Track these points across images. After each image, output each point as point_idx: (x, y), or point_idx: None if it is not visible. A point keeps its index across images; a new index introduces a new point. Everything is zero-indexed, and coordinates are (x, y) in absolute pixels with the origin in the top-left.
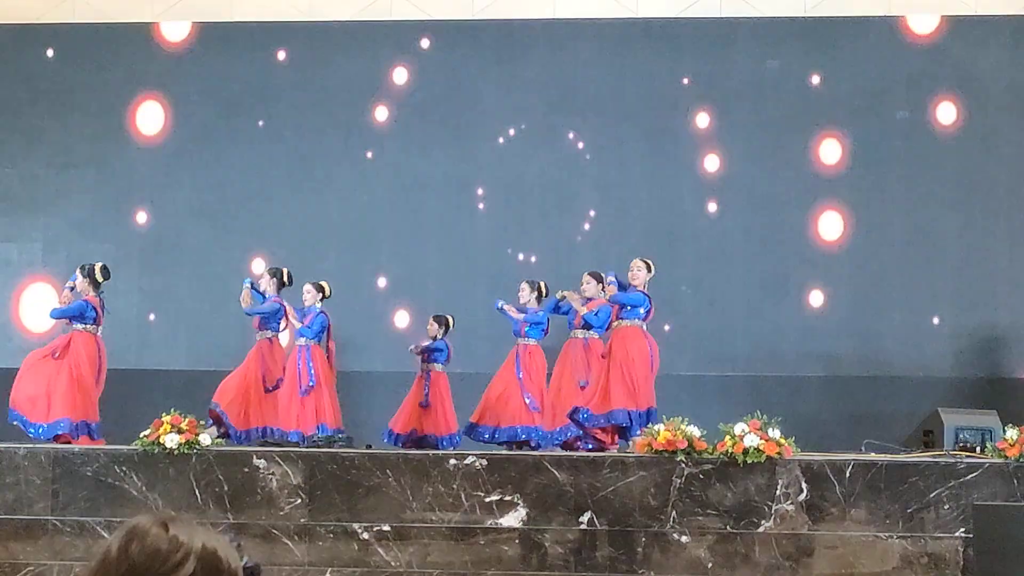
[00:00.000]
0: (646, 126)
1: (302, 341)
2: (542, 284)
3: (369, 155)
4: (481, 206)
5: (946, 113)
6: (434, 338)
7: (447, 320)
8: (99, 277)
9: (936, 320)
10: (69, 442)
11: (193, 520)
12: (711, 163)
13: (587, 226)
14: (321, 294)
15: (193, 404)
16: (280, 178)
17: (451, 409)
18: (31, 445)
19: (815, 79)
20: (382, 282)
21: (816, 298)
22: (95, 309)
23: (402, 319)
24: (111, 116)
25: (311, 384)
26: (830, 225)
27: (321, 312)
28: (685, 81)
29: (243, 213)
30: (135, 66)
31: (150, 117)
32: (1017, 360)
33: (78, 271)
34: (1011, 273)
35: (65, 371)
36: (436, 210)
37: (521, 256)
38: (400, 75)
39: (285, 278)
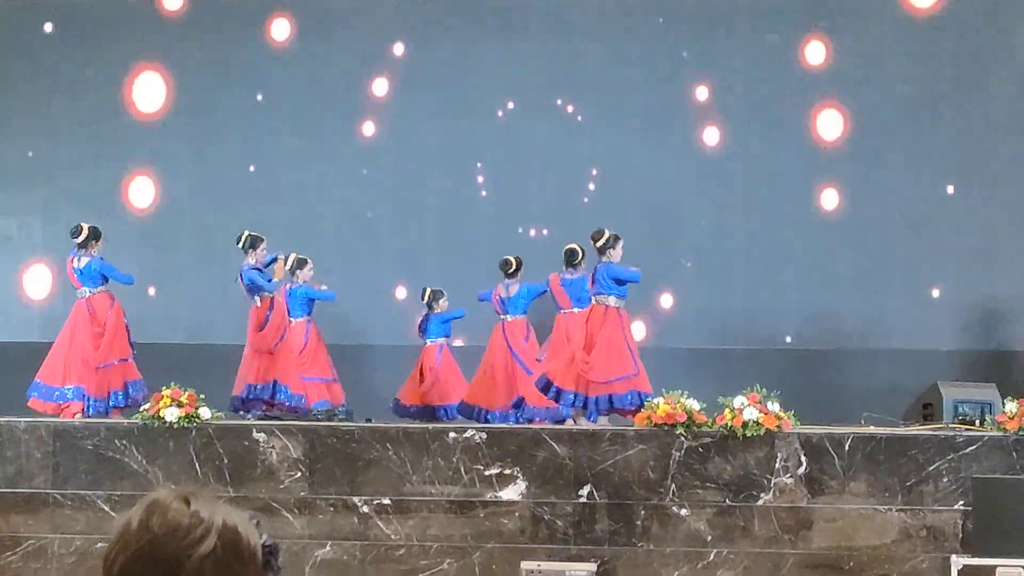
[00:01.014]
0: (645, 99)
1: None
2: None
3: (368, 128)
4: (480, 179)
5: (945, 83)
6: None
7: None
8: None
9: (936, 293)
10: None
11: (213, 496)
12: (710, 136)
13: (586, 200)
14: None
15: (193, 378)
16: (279, 151)
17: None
18: (31, 419)
19: (815, 52)
20: (382, 256)
21: (816, 271)
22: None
23: (401, 293)
24: (110, 89)
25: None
26: (830, 198)
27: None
28: (684, 54)
29: (242, 186)
30: (133, 37)
31: (149, 89)
32: (1017, 333)
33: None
34: (1011, 245)
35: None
36: (436, 183)
37: (520, 229)
38: (399, 48)
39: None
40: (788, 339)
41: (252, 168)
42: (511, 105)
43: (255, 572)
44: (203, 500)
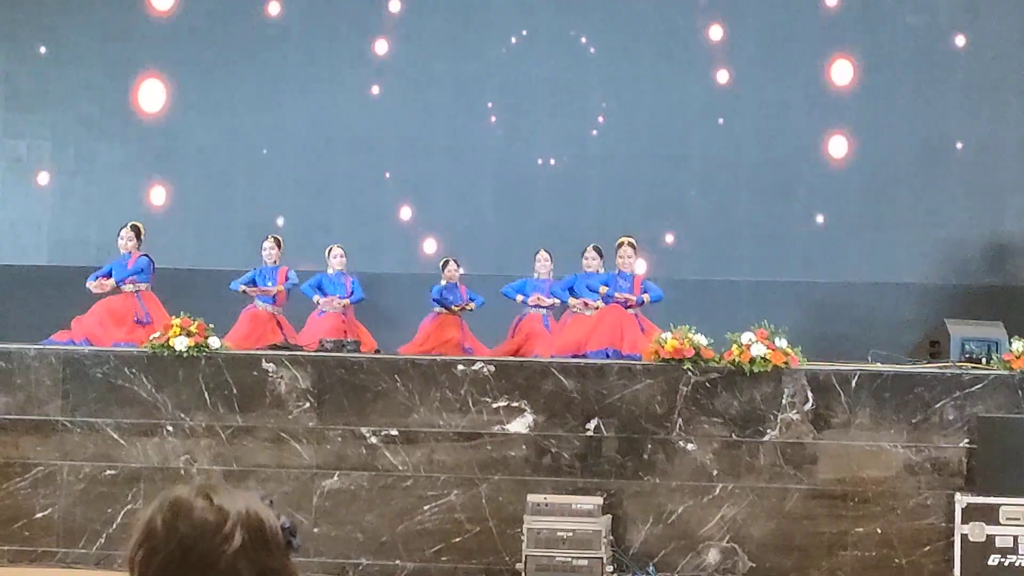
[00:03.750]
0: (658, 32)
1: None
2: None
3: (381, 48)
4: (490, 104)
5: (955, 26)
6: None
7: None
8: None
9: (943, 228)
10: None
11: (228, 486)
12: (722, 74)
13: (595, 132)
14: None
15: (197, 303)
16: (289, 74)
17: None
18: (41, 346)
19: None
20: (390, 181)
21: (823, 206)
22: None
23: (406, 213)
24: (121, 8)
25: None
26: (838, 143)
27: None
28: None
29: (252, 111)
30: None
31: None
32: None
33: (130, 231)
34: (1019, 180)
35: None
36: (445, 110)
37: (532, 160)
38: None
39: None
40: (795, 271)
41: (263, 91)
42: (524, 32)
43: (280, 555)
44: (223, 492)
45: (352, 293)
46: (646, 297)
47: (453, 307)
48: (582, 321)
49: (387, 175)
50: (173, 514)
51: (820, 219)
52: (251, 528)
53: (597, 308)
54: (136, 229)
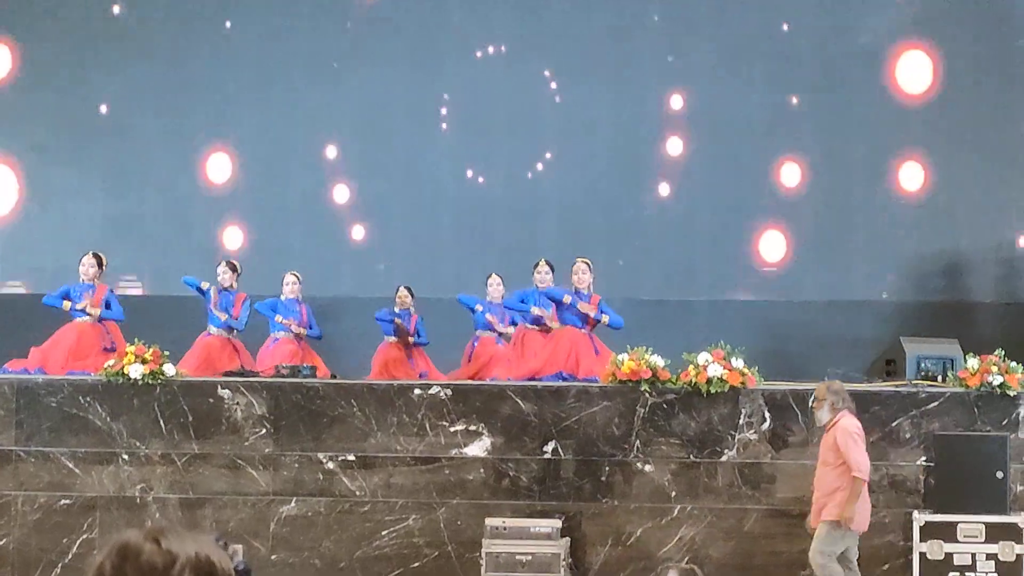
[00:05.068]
0: (613, 55)
1: None
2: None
3: (336, 78)
4: (444, 126)
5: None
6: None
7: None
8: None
9: (898, 245)
10: None
11: (179, 529)
12: (675, 99)
13: (549, 155)
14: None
15: (153, 330)
16: (244, 85)
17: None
18: None
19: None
20: (342, 197)
21: (778, 224)
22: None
23: (359, 232)
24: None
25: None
26: (792, 170)
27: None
28: (656, 19)
29: (206, 120)
30: None
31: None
32: (978, 284)
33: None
34: (973, 197)
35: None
36: (399, 126)
37: (481, 179)
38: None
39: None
40: (752, 290)
41: (216, 99)
42: (479, 55)
43: None
44: (172, 536)
45: (311, 327)
46: (605, 318)
47: (398, 333)
48: (537, 344)
49: (339, 195)
50: (121, 558)
51: (778, 232)
52: (200, 571)
53: (551, 330)
54: (98, 258)
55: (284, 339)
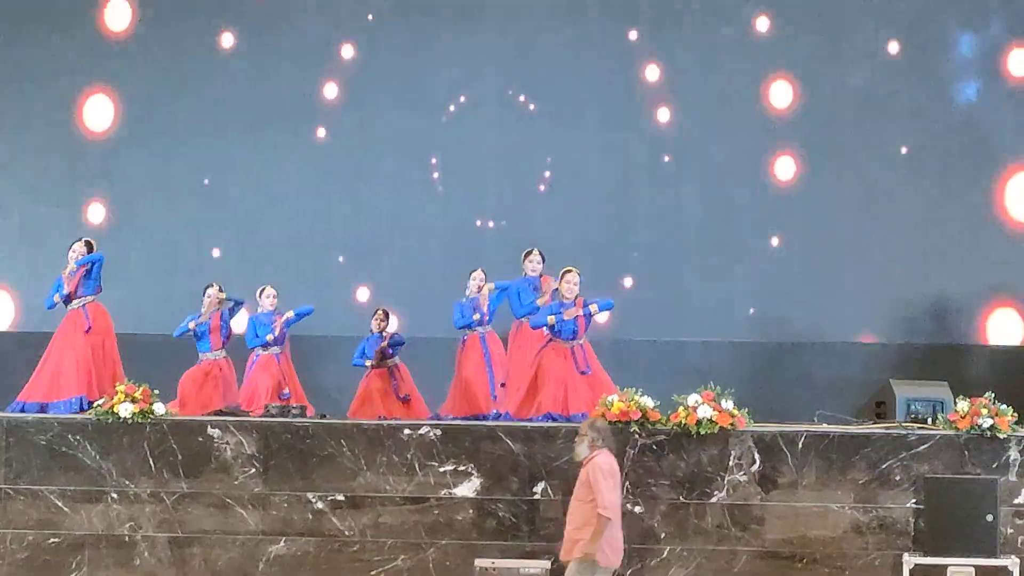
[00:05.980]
0: (600, 91)
1: None
2: None
3: (321, 132)
4: (436, 175)
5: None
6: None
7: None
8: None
9: (888, 287)
10: None
11: None
12: (662, 116)
13: (541, 188)
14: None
15: (142, 369)
16: (232, 155)
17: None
18: None
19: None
20: (339, 256)
21: (769, 265)
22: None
23: (363, 294)
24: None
25: None
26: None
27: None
28: (632, 36)
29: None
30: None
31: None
32: (968, 327)
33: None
34: (962, 240)
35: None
36: (390, 181)
37: (479, 222)
38: (347, 50)
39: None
40: (742, 331)
41: (207, 173)
42: (463, 99)
43: None
44: None
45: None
46: (593, 307)
47: (373, 359)
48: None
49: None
50: None
51: (769, 272)
52: None
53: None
54: (89, 245)
55: (263, 358)
